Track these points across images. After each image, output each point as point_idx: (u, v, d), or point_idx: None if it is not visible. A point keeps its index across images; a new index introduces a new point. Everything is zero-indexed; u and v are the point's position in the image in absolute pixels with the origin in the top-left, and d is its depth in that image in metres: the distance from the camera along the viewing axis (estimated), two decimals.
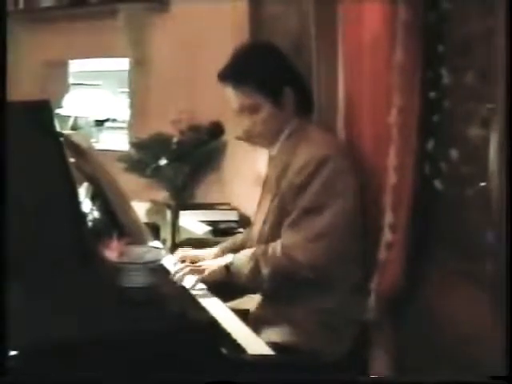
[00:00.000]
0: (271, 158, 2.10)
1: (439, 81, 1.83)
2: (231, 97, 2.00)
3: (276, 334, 1.88)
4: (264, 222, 2.03)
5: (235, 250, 2.14)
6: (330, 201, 1.87)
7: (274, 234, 1.97)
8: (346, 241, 1.89)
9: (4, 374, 1.33)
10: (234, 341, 1.63)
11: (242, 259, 1.96)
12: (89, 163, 1.92)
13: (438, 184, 1.85)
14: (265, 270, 1.90)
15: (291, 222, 1.90)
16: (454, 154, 1.79)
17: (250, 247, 2.04)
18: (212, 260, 2.09)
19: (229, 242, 2.26)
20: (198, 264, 2.03)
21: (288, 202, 1.92)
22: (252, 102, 1.96)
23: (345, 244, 1.89)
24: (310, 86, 2.15)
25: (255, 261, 1.92)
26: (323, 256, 1.85)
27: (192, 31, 3.45)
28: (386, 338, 1.92)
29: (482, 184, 1.66)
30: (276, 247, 1.91)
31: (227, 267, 1.97)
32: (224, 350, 1.52)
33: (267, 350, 1.66)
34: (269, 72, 1.98)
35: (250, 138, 2.06)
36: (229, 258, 2.00)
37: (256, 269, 1.91)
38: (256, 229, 2.09)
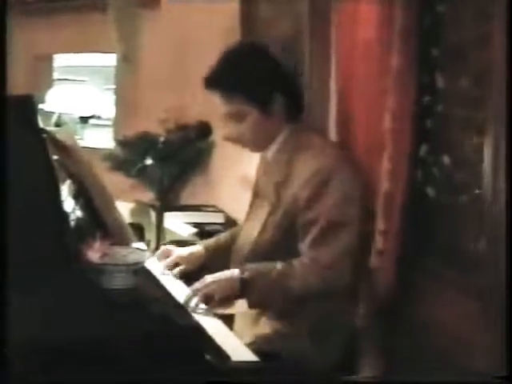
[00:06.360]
0: (265, 164, 2.04)
1: (433, 85, 1.82)
2: (219, 103, 1.95)
3: (263, 339, 1.86)
4: (260, 233, 1.96)
5: (219, 249, 2.12)
6: (350, 212, 1.84)
7: (278, 248, 1.91)
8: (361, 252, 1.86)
9: None
10: (218, 347, 1.59)
11: (261, 274, 1.84)
12: (72, 161, 1.88)
13: (430, 191, 1.85)
14: (295, 285, 1.83)
15: (317, 237, 1.83)
16: (446, 160, 1.79)
17: (238, 254, 2.00)
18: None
19: (211, 240, 2.20)
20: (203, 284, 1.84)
21: (296, 216, 1.87)
22: (239, 109, 1.91)
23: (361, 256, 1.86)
24: (300, 88, 2.10)
25: (278, 277, 1.83)
26: (351, 270, 1.83)
27: (183, 29, 3.42)
28: (377, 345, 1.91)
29: (477, 191, 1.64)
30: (305, 263, 1.83)
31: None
32: (207, 356, 1.49)
33: (252, 357, 1.62)
34: (256, 78, 1.91)
35: (238, 143, 2.02)
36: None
37: (281, 285, 1.83)
38: (248, 236, 2.02)
